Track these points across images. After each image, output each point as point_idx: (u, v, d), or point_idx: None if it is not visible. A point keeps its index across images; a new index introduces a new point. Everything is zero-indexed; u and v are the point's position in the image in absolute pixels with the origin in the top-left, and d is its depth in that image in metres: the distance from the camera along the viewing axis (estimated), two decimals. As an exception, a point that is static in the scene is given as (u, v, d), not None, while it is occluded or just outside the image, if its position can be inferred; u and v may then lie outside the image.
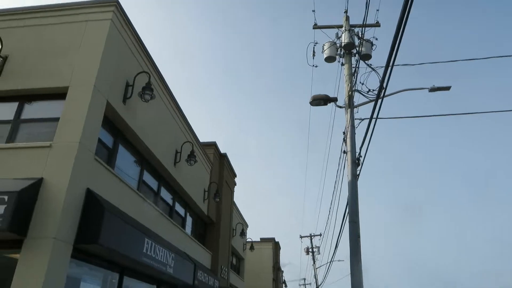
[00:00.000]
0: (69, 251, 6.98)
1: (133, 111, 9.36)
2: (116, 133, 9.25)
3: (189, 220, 15.21)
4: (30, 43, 8.46)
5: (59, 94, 7.87)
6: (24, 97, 8.07)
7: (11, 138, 7.65)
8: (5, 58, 8.21)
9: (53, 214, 6.69)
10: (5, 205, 6.29)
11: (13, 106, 8.01)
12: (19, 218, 6.42)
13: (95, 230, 7.27)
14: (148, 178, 11.30)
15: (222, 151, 18.99)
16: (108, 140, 8.93)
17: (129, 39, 9.31)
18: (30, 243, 6.52)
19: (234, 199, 21.74)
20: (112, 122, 8.93)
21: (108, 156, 8.89)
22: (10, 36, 8.52)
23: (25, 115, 7.93)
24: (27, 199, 6.60)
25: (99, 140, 8.22)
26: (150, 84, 9.14)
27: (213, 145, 18.00)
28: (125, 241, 8.34)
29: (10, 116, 7.91)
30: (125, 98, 8.96)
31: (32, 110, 7.99)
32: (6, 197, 6.36)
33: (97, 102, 7.86)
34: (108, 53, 8.28)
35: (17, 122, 7.86)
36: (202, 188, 15.77)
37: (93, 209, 7.42)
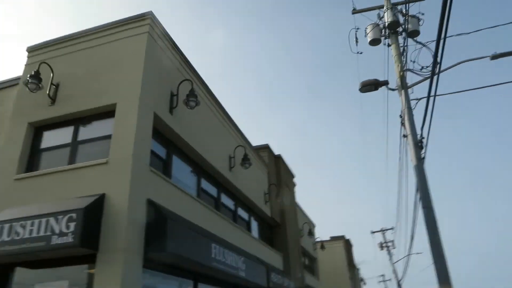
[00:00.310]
0: (141, 261, 7.09)
1: (181, 120, 9.46)
2: (168, 143, 9.39)
3: (254, 224, 15.09)
4: (77, 67, 8.92)
5: (108, 112, 8.14)
6: (78, 120, 8.47)
7: (71, 159, 8.02)
8: (57, 86, 8.70)
9: (119, 227, 6.84)
10: (75, 222, 6.54)
11: (69, 130, 8.43)
12: (88, 233, 6.63)
13: (162, 239, 7.33)
14: (206, 185, 11.36)
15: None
16: (161, 151, 9.08)
17: (168, 49, 9.48)
18: (103, 257, 6.70)
19: (297, 200, 21.34)
20: (162, 133, 9.07)
21: (163, 167, 9.03)
22: (60, 64, 9.03)
23: (81, 136, 8.30)
24: (93, 214, 6.82)
25: (152, 152, 8.36)
26: (193, 90, 9.19)
27: (266, 148, 17.84)
28: (193, 248, 8.35)
29: (68, 139, 8.32)
30: (171, 108, 9.08)
31: (87, 131, 8.36)
32: (74, 215, 6.61)
33: (145, 115, 8.02)
34: (149, 65, 8.46)
35: (75, 144, 8.25)
36: (262, 191, 15.62)
37: (156, 219, 7.50)
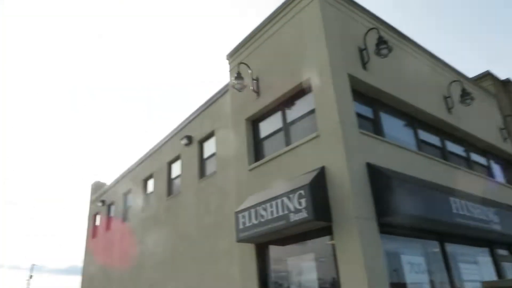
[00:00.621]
0: (376, 227, 6.89)
1: (377, 73, 8.75)
2: (371, 101, 8.83)
3: (495, 168, 12.73)
4: (268, 56, 9.45)
5: (306, 88, 8.25)
6: (282, 104, 8.91)
7: (287, 141, 8.51)
8: (257, 79, 9.43)
9: (345, 196, 6.81)
10: (305, 198, 6.86)
11: (278, 115, 8.99)
12: (319, 206, 6.86)
13: (390, 201, 6.93)
14: (425, 136, 10.19)
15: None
16: (367, 111, 8.61)
17: (342, 5, 8.90)
18: (338, 227, 6.81)
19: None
20: (362, 93, 8.58)
21: (373, 127, 8.54)
22: (254, 59, 9.78)
23: (289, 118, 8.72)
24: (319, 188, 7.01)
25: (358, 115, 8.00)
26: (381, 37, 8.36)
27: (487, 76, 14.77)
28: (427, 205, 7.59)
29: (280, 124, 8.88)
30: (364, 64, 8.49)
31: (293, 111, 8.71)
32: (302, 191, 6.95)
33: (339, 80, 7.74)
34: (329, 29, 8.13)
35: (286, 126, 8.73)
36: (495, 127, 13.01)
37: (380, 181, 7.14)
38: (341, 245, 6.73)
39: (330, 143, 7.28)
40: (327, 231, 7.04)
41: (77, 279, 21.41)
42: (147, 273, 14.08)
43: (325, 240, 7.25)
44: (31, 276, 55.24)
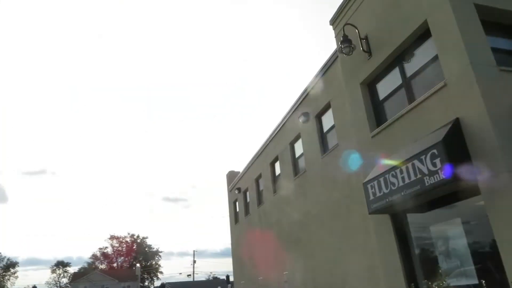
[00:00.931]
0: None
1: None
2: (510, 30, 7.25)
3: None
4: (373, 10, 8.60)
5: (424, 33, 7.21)
6: (398, 58, 7.97)
7: (410, 98, 7.60)
8: (366, 38, 8.66)
9: (491, 148, 5.77)
10: (439, 158, 6.05)
11: (395, 72, 8.08)
12: (458, 164, 5.95)
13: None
14: None
15: None
16: (506, 43, 7.11)
17: None
18: (486, 185, 5.83)
19: None
20: (497, 23, 7.09)
21: (517, 60, 7.02)
22: (359, 17, 9.02)
23: (408, 72, 7.75)
24: (455, 144, 6.08)
25: (495, 50, 6.63)
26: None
27: None
28: None
29: (399, 81, 7.97)
30: (493, -13, 7.00)
31: (411, 63, 7.72)
32: (435, 151, 6.13)
33: (464, 13, 6.54)
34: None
35: (406, 81, 7.78)
36: None
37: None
38: (492, 204, 5.73)
39: (462, 89, 6.23)
40: (473, 191, 6.07)
41: (230, 261, 23.72)
42: (285, 252, 14.54)
43: (472, 202, 6.29)
44: (194, 261, 64.69)
